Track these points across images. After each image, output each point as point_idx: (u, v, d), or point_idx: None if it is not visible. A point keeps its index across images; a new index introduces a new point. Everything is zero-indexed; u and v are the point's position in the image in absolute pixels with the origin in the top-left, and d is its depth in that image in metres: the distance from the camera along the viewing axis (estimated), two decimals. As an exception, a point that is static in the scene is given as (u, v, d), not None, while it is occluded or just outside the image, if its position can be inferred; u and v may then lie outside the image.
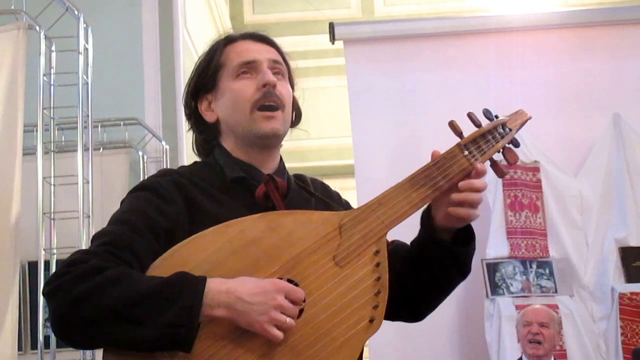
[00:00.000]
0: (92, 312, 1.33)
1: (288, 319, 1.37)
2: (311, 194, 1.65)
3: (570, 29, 4.51)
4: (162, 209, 1.49)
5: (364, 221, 1.51)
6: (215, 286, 1.36)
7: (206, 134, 1.67)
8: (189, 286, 1.35)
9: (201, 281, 1.36)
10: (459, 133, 1.58)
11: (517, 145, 1.64)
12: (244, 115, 1.58)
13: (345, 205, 1.72)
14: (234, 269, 1.42)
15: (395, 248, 1.63)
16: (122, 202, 1.55)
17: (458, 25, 4.57)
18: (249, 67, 1.61)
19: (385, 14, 7.60)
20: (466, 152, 1.55)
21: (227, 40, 1.66)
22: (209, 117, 1.64)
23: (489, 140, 1.59)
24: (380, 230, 1.51)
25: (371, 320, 1.46)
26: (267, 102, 1.58)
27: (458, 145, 1.56)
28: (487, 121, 1.63)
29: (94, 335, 1.35)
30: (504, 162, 1.64)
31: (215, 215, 1.50)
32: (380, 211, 1.52)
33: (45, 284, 1.39)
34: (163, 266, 1.42)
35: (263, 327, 1.36)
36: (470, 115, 1.60)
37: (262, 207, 1.55)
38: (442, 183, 1.53)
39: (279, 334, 1.37)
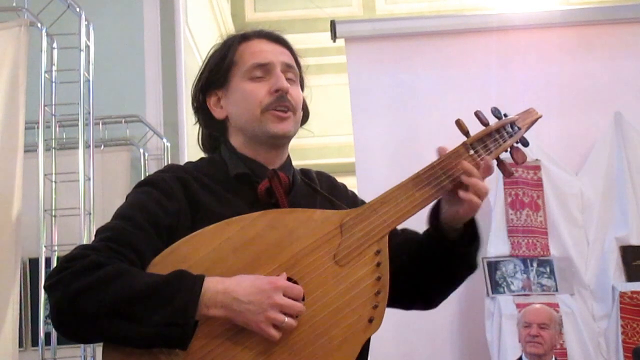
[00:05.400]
0: (90, 307, 1.34)
1: (287, 318, 1.37)
2: (316, 191, 1.65)
3: (571, 27, 4.50)
4: (164, 204, 1.49)
5: (366, 220, 1.50)
6: (212, 285, 1.36)
7: (213, 129, 1.66)
8: (186, 285, 1.35)
9: (198, 280, 1.36)
10: (465, 132, 1.56)
11: (526, 144, 1.62)
12: (253, 117, 1.58)
13: (352, 197, 1.71)
14: (234, 267, 1.42)
15: (405, 240, 1.63)
16: (127, 197, 1.55)
17: (459, 24, 4.57)
18: (263, 69, 1.60)
19: (386, 12, 7.59)
20: (472, 152, 1.54)
21: (242, 38, 1.64)
22: (218, 113, 1.64)
23: (497, 139, 1.58)
24: (382, 229, 1.49)
25: (370, 320, 1.44)
26: (279, 108, 1.57)
27: (464, 144, 1.55)
28: (495, 120, 1.60)
29: (91, 330, 1.36)
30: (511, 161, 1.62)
31: (217, 213, 1.49)
32: (383, 210, 1.50)
33: (47, 278, 1.40)
34: (163, 263, 1.42)
35: (259, 326, 1.36)
36: (477, 114, 1.57)
37: (265, 203, 1.55)
38: (446, 183, 1.51)
39: (275, 333, 1.37)
